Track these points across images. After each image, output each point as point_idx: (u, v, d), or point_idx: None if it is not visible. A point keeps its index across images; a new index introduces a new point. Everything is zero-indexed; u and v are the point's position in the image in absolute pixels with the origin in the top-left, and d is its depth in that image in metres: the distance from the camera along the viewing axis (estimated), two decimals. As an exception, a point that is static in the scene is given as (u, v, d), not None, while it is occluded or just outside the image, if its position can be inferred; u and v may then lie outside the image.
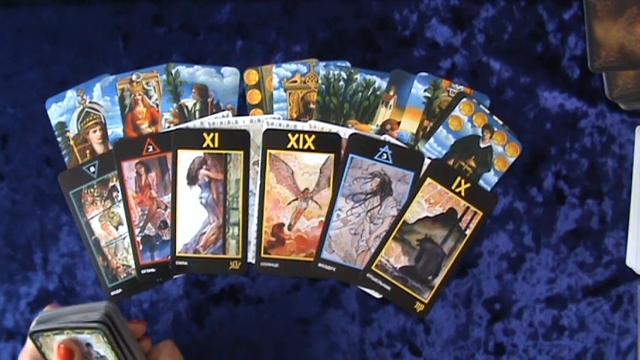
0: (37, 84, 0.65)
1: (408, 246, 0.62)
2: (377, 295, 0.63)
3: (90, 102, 0.65)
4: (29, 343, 0.51)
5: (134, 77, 0.64)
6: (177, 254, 0.63)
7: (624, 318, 0.62)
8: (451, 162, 0.62)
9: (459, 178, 0.62)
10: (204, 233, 0.63)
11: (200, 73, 0.64)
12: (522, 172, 0.63)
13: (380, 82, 0.63)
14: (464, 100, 0.62)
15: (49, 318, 0.52)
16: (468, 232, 0.62)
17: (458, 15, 0.63)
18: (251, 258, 0.63)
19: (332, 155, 0.62)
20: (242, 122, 0.63)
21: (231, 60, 0.64)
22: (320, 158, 0.62)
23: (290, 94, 0.63)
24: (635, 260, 0.60)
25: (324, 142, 0.62)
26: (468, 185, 0.62)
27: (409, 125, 0.62)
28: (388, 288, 0.62)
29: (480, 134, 0.62)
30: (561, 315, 0.62)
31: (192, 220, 0.63)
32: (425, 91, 0.62)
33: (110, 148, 0.64)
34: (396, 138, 0.62)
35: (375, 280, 0.62)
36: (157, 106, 0.64)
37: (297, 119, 0.63)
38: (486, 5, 0.63)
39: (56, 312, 0.52)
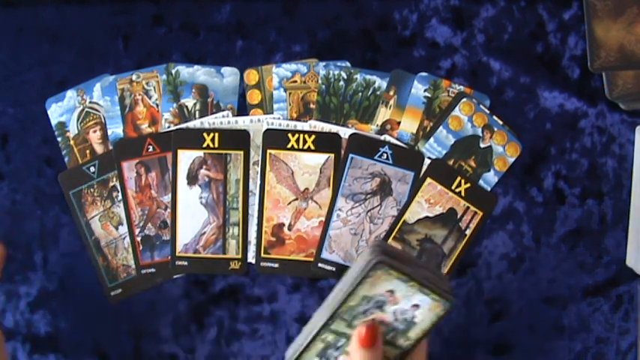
0: (37, 84, 0.65)
1: (408, 246, 0.62)
2: (377, 295, 0.63)
3: (90, 102, 0.65)
4: None
5: (134, 77, 0.64)
6: (177, 254, 0.63)
7: (624, 318, 0.62)
8: (451, 162, 0.62)
9: (459, 178, 0.62)
10: (204, 233, 0.63)
11: (200, 73, 0.64)
12: (522, 172, 0.63)
13: (380, 82, 0.63)
14: (464, 100, 0.62)
15: (399, 256, 0.45)
16: (468, 232, 0.62)
17: (458, 15, 0.63)
18: (251, 258, 0.63)
19: (332, 155, 0.62)
20: (242, 122, 0.63)
21: (231, 60, 0.64)
22: (320, 158, 0.62)
23: (290, 94, 0.63)
24: (635, 260, 0.60)
25: (324, 142, 0.62)
26: (468, 185, 0.62)
27: (409, 125, 0.62)
28: (388, 288, 0.62)
29: (480, 134, 0.62)
30: (561, 315, 0.62)
31: (192, 220, 0.63)
32: (425, 91, 0.62)
33: (110, 148, 0.64)
34: (396, 138, 0.62)
35: (375, 280, 0.62)
36: (157, 106, 0.64)
37: (297, 119, 0.63)
38: (486, 5, 0.63)
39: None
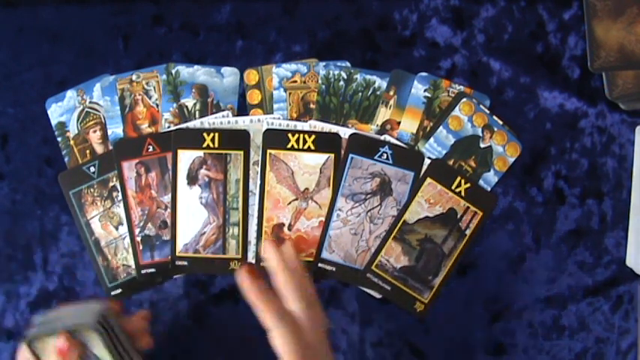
0: (37, 84, 0.65)
1: (408, 246, 0.62)
2: (377, 295, 0.63)
3: (90, 102, 0.65)
4: (23, 350, 0.51)
5: (134, 77, 0.64)
6: (177, 254, 0.63)
7: (624, 318, 0.62)
8: (451, 162, 0.62)
9: (459, 178, 0.62)
10: (204, 233, 0.63)
11: (200, 73, 0.64)
12: (522, 172, 0.63)
13: (380, 82, 0.63)
14: (464, 100, 0.62)
15: (44, 322, 0.52)
16: (468, 232, 0.62)
17: (458, 15, 0.63)
18: (251, 258, 0.63)
19: (332, 155, 0.62)
20: (242, 122, 0.63)
21: (231, 60, 0.64)
22: (320, 158, 0.62)
23: (290, 94, 0.63)
24: (635, 260, 0.60)
25: (324, 142, 0.62)
26: (468, 185, 0.62)
27: (409, 125, 0.62)
28: (388, 288, 0.62)
29: (480, 134, 0.62)
30: (561, 315, 0.62)
31: (192, 220, 0.63)
32: (425, 91, 0.62)
33: (110, 148, 0.64)
34: (396, 138, 0.62)
35: (375, 280, 0.62)
36: (157, 106, 0.64)
37: (297, 119, 0.63)
38: (486, 5, 0.63)
39: (49, 316, 0.53)
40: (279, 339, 0.52)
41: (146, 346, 0.56)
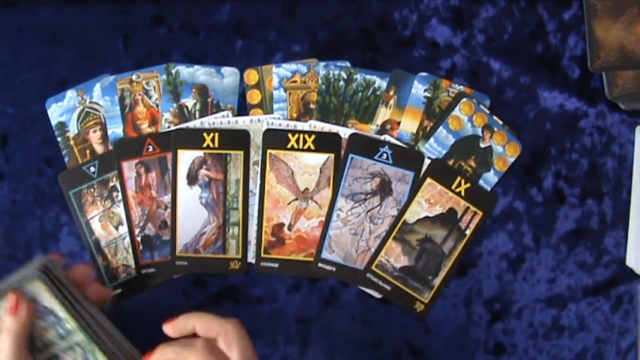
0: (37, 84, 0.65)
1: (408, 246, 0.62)
2: (377, 295, 0.63)
3: (90, 102, 0.65)
4: None
5: (134, 77, 0.64)
6: (177, 254, 0.63)
7: (624, 318, 0.62)
8: (451, 162, 0.62)
9: (459, 178, 0.62)
10: (204, 233, 0.63)
11: (200, 73, 0.64)
12: (522, 172, 0.63)
13: (380, 82, 0.63)
14: (464, 100, 0.62)
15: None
16: (468, 232, 0.62)
17: (458, 15, 0.63)
18: (251, 258, 0.63)
19: (332, 155, 0.62)
20: (242, 122, 0.63)
21: (231, 60, 0.64)
22: (320, 158, 0.62)
23: (290, 94, 0.63)
24: (635, 260, 0.60)
25: (324, 142, 0.62)
26: (468, 185, 0.62)
27: (409, 125, 0.62)
28: (388, 288, 0.62)
29: (480, 134, 0.62)
30: (561, 315, 0.62)
31: (192, 220, 0.63)
32: (425, 91, 0.62)
33: (110, 148, 0.64)
34: (396, 138, 0.62)
35: (375, 280, 0.62)
36: (157, 106, 0.64)
37: (297, 119, 0.63)
38: (486, 5, 0.63)
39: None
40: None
41: (102, 295, 0.55)
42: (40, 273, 0.50)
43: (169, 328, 0.53)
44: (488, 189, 0.62)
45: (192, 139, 0.63)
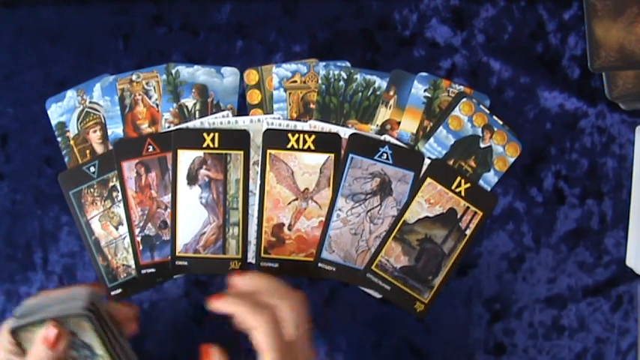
0: (37, 84, 0.65)
1: (408, 246, 0.62)
2: (377, 295, 0.63)
3: (90, 102, 0.65)
4: (4, 336, 0.50)
5: (134, 77, 0.64)
6: (177, 254, 0.63)
7: (624, 318, 0.62)
8: (451, 162, 0.62)
9: (459, 178, 0.62)
10: (204, 233, 0.63)
11: (200, 73, 0.64)
12: (522, 172, 0.63)
13: (380, 82, 0.63)
14: (464, 100, 0.62)
15: (29, 311, 0.50)
16: (468, 232, 0.62)
17: (458, 15, 0.63)
18: (251, 258, 0.63)
19: (332, 155, 0.62)
20: (242, 122, 0.63)
21: (231, 60, 0.64)
22: (320, 158, 0.62)
23: (290, 94, 0.63)
24: (635, 260, 0.60)
25: (324, 142, 0.62)
26: (468, 185, 0.62)
27: (409, 125, 0.62)
28: (388, 288, 0.62)
29: (480, 134, 0.62)
30: (561, 315, 0.62)
31: (192, 220, 0.63)
32: (425, 91, 0.62)
33: (110, 148, 0.64)
34: (396, 138, 0.62)
35: (375, 280, 0.62)
36: (157, 106, 0.64)
37: (297, 119, 0.63)
38: (486, 5, 0.63)
39: (35, 303, 0.51)
40: (259, 335, 0.50)
41: (132, 332, 0.55)
42: (89, 312, 0.49)
43: (240, 282, 0.54)
44: (489, 189, 0.62)
45: (192, 139, 0.63)
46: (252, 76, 0.64)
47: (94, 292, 0.51)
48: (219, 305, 0.52)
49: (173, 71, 0.64)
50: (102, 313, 0.51)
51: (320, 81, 0.63)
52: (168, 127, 0.64)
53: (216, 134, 0.63)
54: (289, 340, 0.51)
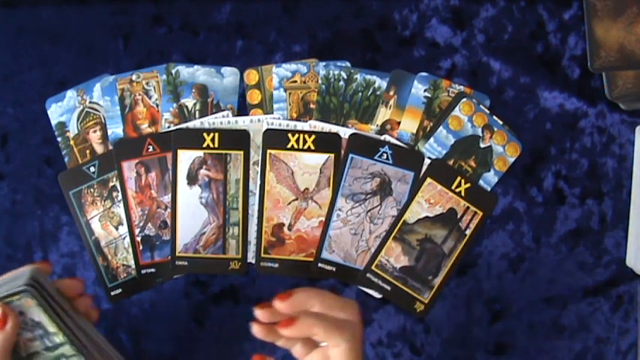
0: (37, 84, 0.65)
1: (408, 246, 0.62)
2: (377, 295, 0.63)
3: (90, 102, 0.65)
4: None
5: (134, 77, 0.64)
6: (177, 254, 0.63)
7: (624, 318, 0.62)
8: (451, 162, 0.62)
9: (459, 178, 0.62)
10: (204, 233, 0.63)
11: (200, 73, 0.64)
12: (522, 172, 0.63)
13: (380, 82, 0.63)
14: (464, 100, 0.62)
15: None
16: (468, 232, 0.62)
17: (458, 15, 0.63)
18: (251, 258, 0.63)
19: (332, 155, 0.62)
20: (242, 122, 0.63)
21: (231, 60, 0.64)
22: (320, 158, 0.62)
23: (290, 94, 0.63)
24: (635, 260, 0.60)
25: (324, 142, 0.62)
26: (468, 185, 0.62)
27: (409, 125, 0.62)
28: (388, 288, 0.62)
29: (480, 134, 0.62)
30: (561, 315, 0.62)
31: (192, 220, 0.63)
32: (425, 91, 0.62)
33: (110, 148, 0.64)
34: (396, 138, 0.62)
35: (375, 280, 0.62)
36: (157, 106, 0.64)
37: (297, 119, 0.63)
38: (486, 5, 0.63)
39: None
40: (343, 352, 0.46)
41: (85, 308, 0.54)
42: (30, 287, 0.49)
43: (286, 305, 0.47)
44: (489, 189, 0.62)
45: (192, 139, 0.63)
46: (252, 76, 0.64)
47: (36, 269, 0.50)
48: (293, 332, 0.47)
49: (173, 71, 0.64)
50: (47, 288, 0.50)
51: (320, 81, 0.63)
52: (168, 127, 0.64)
53: (216, 134, 0.63)
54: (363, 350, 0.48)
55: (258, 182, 0.63)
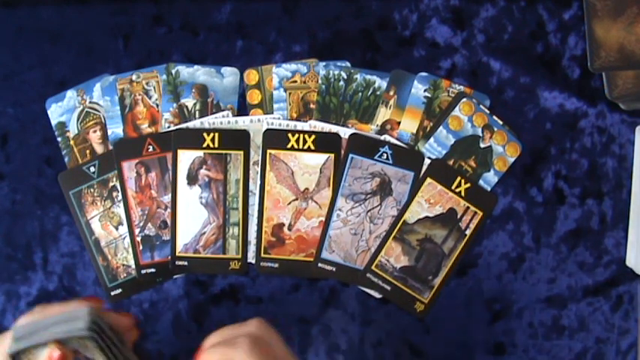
0: (37, 84, 0.65)
1: (408, 246, 0.62)
2: (377, 295, 0.63)
3: (90, 102, 0.65)
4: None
5: (134, 77, 0.64)
6: (177, 254, 0.63)
7: (624, 318, 0.62)
8: (451, 162, 0.62)
9: (459, 178, 0.62)
10: (204, 233, 0.63)
11: (200, 73, 0.64)
12: (522, 172, 0.63)
13: (380, 82, 0.63)
14: (464, 100, 0.62)
15: (27, 332, 0.49)
16: (468, 232, 0.62)
17: (458, 15, 0.63)
18: (251, 258, 0.63)
19: (332, 155, 0.62)
20: (242, 122, 0.63)
21: (231, 60, 0.64)
22: (320, 158, 0.62)
23: (290, 94, 0.63)
24: (635, 260, 0.60)
25: (324, 142, 0.62)
26: (468, 185, 0.62)
27: (409, 125, 0.62)
28: (388, 288, 0.62)
29: (480, 134, 0.62)
30: (561, 315, 0.62)
31: (192, 220, 0.63)
32: (425, 91, 0.62)
33: (110, 148, 0.64)
34: (396, 138, 0.62)
35: (375, 280, 0.62)
36: (157, 106, 0.64)
37: (297, 119, 0.63)
38: (486, 5, 0.63)
39: (32, 324, 0.50)
40: (239, 355, 0.47)
41: (135, 338, 0.55)
42: (93, 333, 0.49)
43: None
44: (489, 189, 0.62)
45: (192, 139, 0.63)
46: (252, 76, 0.64)
47: (93, 310, 0.51)
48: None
49: (173, 71, 0.64)
50: (105, 331, 0.51)
51: (320, 81, 0.63)
52: (168, 127, 0.64)
53: (216, 134, 0.63)
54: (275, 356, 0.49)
55: (258, 182, 0.63)
